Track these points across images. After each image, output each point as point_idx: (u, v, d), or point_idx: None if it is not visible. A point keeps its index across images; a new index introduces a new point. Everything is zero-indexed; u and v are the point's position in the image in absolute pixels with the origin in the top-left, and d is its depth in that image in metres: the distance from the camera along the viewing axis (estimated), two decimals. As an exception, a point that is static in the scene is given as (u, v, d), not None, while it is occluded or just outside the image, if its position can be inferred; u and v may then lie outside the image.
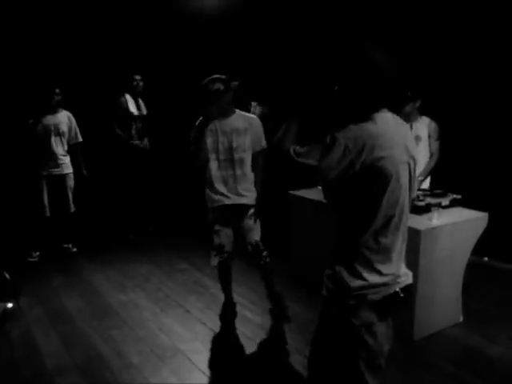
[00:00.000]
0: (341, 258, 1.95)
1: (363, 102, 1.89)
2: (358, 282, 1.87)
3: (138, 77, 5.74)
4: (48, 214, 5.33)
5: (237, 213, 3.69)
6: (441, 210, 3.79)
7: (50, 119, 5.27)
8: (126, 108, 5.66)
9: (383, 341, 1.98)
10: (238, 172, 3.64)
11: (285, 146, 1.87)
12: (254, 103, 4.57)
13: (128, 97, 5.72)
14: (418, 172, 4.49)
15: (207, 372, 3.24)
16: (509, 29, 4.77)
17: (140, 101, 5.86)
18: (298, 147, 1.85)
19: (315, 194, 4.50)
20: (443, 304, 3.73)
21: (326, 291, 2.01)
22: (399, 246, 1.97)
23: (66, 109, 5.44)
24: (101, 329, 3.83)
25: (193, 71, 6.79)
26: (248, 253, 3.75)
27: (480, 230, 3.79)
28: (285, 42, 6.67)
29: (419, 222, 3.59)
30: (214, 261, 3.75)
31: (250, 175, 3.70)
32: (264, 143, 3.68)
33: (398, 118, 1.98)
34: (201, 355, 3.44)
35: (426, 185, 4.60)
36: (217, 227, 3.71)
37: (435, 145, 4.54)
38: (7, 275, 4.36)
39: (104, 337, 3.71)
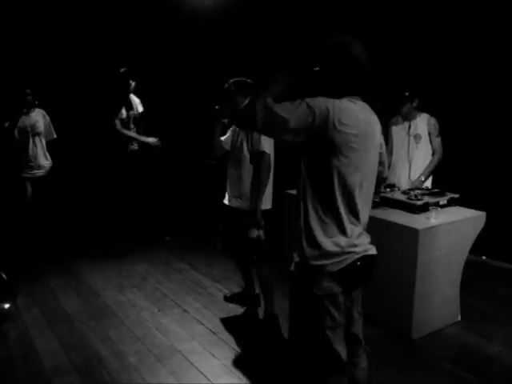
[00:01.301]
0: (303, 231, 2.04)
1: (336, 83, 2.06)
2: (316, 253, 1.99)
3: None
4: (29, 197, 5.29)
5: (232, 215, 3.73)
6: (439, 209, 3.79)
7: (25, 121, 5.25)
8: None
9: (350, 312, 2.13)
10: (236, 172, 3.64)
11: (262, 96, 1.93)
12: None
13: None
14: (418, 172, 4.52)
15: (205, 372, 3.22)
16: (507, 25, 4.77)
17: (132, 98, 5.74)
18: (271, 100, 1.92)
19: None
20: (441, 303, 3.74)
21: (293, 266, 2.12)
22: (359, 217, 2.06)
23: (49, 107, 5.43)
24: (98, 329, 3.82)
25: (192, 71, 6.82)
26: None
27: (478, 229, 3.79)
28: (284, 42, 6.66)
29: (417, 221, 3.59)
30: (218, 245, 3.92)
31: (247, 179, 3.60)
32: (261, 147, 3.50)
33: (369, 108, 2.13)
34: (199, 355, 3.43)
35: (427, 183, 4.58)
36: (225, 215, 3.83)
37: (436, 141, 4.52)
38: (4, 275, 4.34)
39: (101, 337, 3.69)
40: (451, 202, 3.95)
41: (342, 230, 2.01)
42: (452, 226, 3.64)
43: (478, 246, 3.96)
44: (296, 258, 2.10)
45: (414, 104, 4.49)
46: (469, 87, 5.09)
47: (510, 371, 3.24)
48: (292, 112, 1.88)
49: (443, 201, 3.91)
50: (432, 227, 3.51)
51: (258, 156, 3.49)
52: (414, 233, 3.43)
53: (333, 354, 2.08)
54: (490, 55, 4.95)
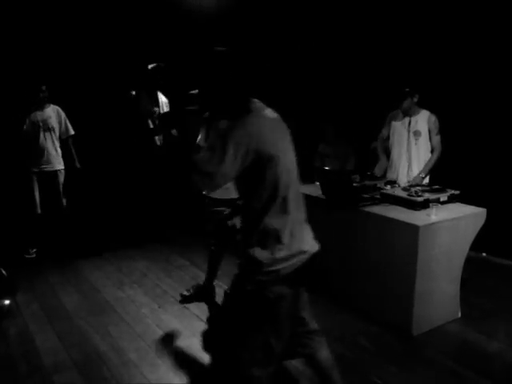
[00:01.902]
0: (251, 237, 2.13)
1: (228, 93, 2.16)
2: (269, 258, 2.06)
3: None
4: (39, 211, 5.31)
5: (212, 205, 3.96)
6: (439, 205, 3.78)
7: (37, 115, 5.25)
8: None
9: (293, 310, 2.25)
10: None
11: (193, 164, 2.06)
12: None
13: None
14: (419, 168, 4.53)
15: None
16: (507, 22, 4.76)
17: (159, 95, 5.62)
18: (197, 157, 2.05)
19: (312, 189, 4.48)
20: (442, 299, 3.73)
21: (239, 269, 2.18)
22: (299, 220, 2.20)
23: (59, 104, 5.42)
24: (98, 325, 3.82)
25: (191, 70, 6.78)
26: None
27: (478, 226, 3.79)
28: (283, 41, 6.66)
29: (417, 217, 3.58)
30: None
31: None
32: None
33: (270, 110, 2.22)
34: (199, 351, 3.42)
35: (426, 180, 4.59)
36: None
37: (436, 139, 4.52)
38: (4, 272, 4.34)
39: (101, 333, 3.69)
40: (452, 199, 3.94)
41: (292, 234, 2.14)
42: (452, 223, 3.64)
43: (479, 243, 3.95)
44: (243, 263, 2.16)
45: (415, 100, 4.48)
46: (470, 84, 5.08)
47: (510, 368, 3.24)
48: (219, 165, 1.99)
49: (444, 197, 3.90)
50: (432, 224, 3.50)
51: None
52: (414, 229, 3.42)
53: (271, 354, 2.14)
54: (490, 52, 4.94)
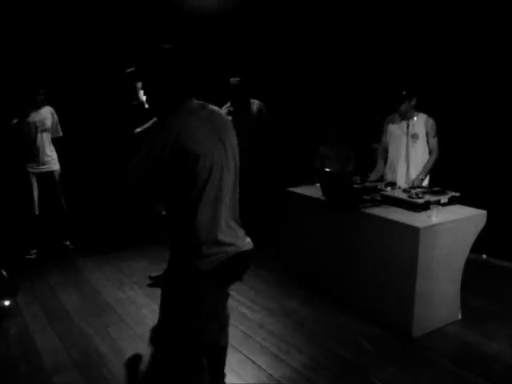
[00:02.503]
0: (176, 234, 2.19)
1: (163, 92, 2.18)
2: (191, 254, 2.13)
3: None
4: (37, 212, 5.31)
5: None
6: (440, 207, 3.79)
7: (34, 116, 5.27)
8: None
9: (219, 307, 2.36)
10: None
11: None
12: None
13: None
14: (417, 171, 4.53)
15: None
16: (505, 23, 4.77)
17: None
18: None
19: (313, 191, 4.49)
20: (442, 301, 3.73)
21: (168, 265, 2.26)
22: (225, 218, 2.19)
23: (59, 106, 5.45)
24: (98, 326, 3.82)
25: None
26: None
27: (479, 228, 3.79)
28: (283, 41, 6.67)
29: (418, 219, 3.58)
30: None
31: None
32: None
33: (206, 106, 2.25)
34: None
35: (424, 183, 4.60)
36: None
37: (433, 142, 4.53)
38: (4, 273, 4.34)
39: (101, 334, 3.69)
40: (452, 201, 3.95)
41: (215, 231, 2.16)
42: (453, 225, 3.64)
43: (479, 245, 3.95)
44: (171, 259, 2.26)
45: (412, 103, 4.49)
46: (470, 86, 5.09)
47: (510, 370, 3.24)
48: (135, 164, 2.08)
49: (444, 199, 3.91)
50: (433, 225, 3.50)
51: None
52: (414, 231, 3.43)
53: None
54: (489, 54, 4.95)
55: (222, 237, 2.15)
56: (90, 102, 6.11)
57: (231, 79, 5.94)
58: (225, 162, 2.17)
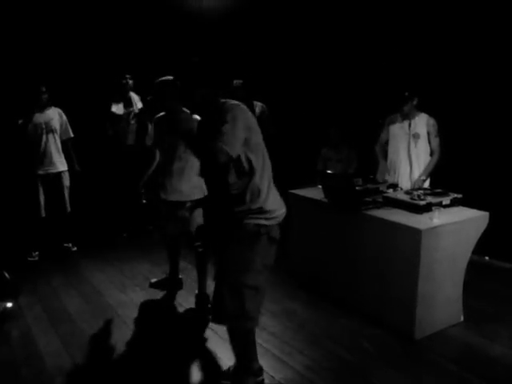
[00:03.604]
0: (256, 195, 2.68)
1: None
2: (275, 209, 2.75)
3: (127, 75, 5.84)
4: (44, 214, 5.33)
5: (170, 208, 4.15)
6: (442, 209, 3.78)
7: (40, 117, 5.27)
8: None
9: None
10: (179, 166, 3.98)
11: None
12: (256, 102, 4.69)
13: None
14: (420, 171, 4.53)
15: (207, 372, 3.22)
16: (506, 24, 4.76)
17: (131, 96, 5.90)
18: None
19: (315, 193, 4.49)
20: (444, 303, 3.72)
21: (253, 220, 2.69)
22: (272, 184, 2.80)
23: (63, 106, 5.45)
24: (101, 328, 3.82)
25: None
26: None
27: (481, 229, 3.78)
28: (285, 43, 6.67)
29: (420, 221, 3.58)
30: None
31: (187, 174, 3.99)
32: None
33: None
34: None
35: (426, 184, 4.59)
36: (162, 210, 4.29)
37: (435, 142, 4.53)
38: (7, 275, 4.34)
39: (104, 336, 3.70)
40: (454, 202, 3.94)
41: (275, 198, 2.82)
42: (455, 227, 3.63)
43: (481, 247, 3.94)
44: (252, 216, 2.70)
45: (414, 103, 4.51)
46: (471, 87, 5.08)
47: (512, 372, 3.23)
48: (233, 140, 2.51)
49: (446, 201, 3.90)
50: (435, 227, 3.50)
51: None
52: (416, 233, 3.42)
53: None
54: (491, 55, 4.94)
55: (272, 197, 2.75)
56: (94, 103, 6.11)
57: (234, 81, 5.94)
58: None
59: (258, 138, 2.67)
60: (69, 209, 5.50)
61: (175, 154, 3.91)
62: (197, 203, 4.01)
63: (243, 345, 2.88)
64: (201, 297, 4.18)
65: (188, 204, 4.00)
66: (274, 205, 2.75)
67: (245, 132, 2.54)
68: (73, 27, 6.14)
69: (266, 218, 2.69)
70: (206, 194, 3.82)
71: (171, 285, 4.55)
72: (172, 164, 3.95)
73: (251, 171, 2.64)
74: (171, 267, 4.58)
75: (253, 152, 2.63)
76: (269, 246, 2.73)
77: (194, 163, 3.83)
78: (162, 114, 3.94)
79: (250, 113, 2.64)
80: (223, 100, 2.69)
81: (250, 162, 2.62)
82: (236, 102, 2.67)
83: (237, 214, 2.70)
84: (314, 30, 6.47)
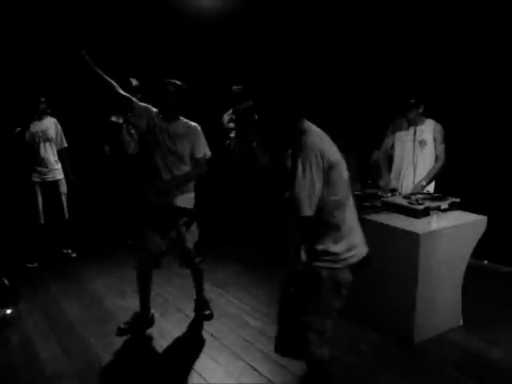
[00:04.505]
0: (322, 235, 2.43)
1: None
2: (344, 251, 2.44)
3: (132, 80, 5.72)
4: (42, 221, 5.34)
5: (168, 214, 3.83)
6: (440, 213, 3.79)
7: (37, 126, 5.31)
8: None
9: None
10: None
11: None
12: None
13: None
14: (421, 177, 4.51)
15: (206, 377, 3.22)
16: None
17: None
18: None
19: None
20: (443, 307, 3.73)
21: (317, 262, 2.45)
22: (354, 221, 2.53)
23: (60, 115, 5.48)
24: (100, 335, 3.82)
25: (192, 74, 6.83)
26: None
27: (479, 233, 3.79)
28: (285, 48, 6.69)
29: (418, 225, 3.59)
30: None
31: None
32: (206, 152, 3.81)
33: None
34: (200, 360, 3.43)
35: (430, 188, 4.57)
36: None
37: (440, 148, 4.52)
38: (6, 281, 4.35)
39: (103, 342, 3.69)
40: (452, 207, 3.95)
41: (354, 232, 2.54)
42: (453, 231, 3.64)
43: (480, 251, 3.95)
44: (319, 256, 2.45)
45: (420, 110, 4.48)
46: (470, 92, 5.10)
47: (511, 376, 3.23)
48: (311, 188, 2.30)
49: (444, 205, 3.91)
50: (433, 231, 3.51)
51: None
52: (415, 237, 3.43)
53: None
54: (491, 61, 4.96)
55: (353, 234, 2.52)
56: (91, 111, 6.13)
57: (233, 87, 5.98)
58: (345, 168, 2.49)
59: (337, 171, 2.38)
60: (67, 215, 5.51)
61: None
62: (193, 216, 3.81)
63: (318, 372, 2.65)
64: (199, 302, 4.15)
65: (183, 219, 3.74)
66: (346, 244, 2.45)
67: (319, 176, 2.30)
68: (74, 33, 6.15)
69: (333, 261, 2.44)
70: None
71: (143, 323, 3.95)
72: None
73: (322, 207, 2.36)
74: (143, 300, 3.97)
75: (330, 188, 2.36)
76: (335, 290, 2.48)
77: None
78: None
79: (324, 142, 2.42)
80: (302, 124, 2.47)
81: (322, 197, 2.35)
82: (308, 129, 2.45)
83: (304, 251, 2.52)
84: (318, 34, 6.48)
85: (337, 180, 2.37)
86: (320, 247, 2.42)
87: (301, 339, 2.51)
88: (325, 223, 2.40)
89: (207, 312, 4.10)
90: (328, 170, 2.32)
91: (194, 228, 3.83)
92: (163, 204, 3.70)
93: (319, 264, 2.43)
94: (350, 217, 2.48)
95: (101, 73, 3.54)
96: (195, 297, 4.17)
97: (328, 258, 2.42)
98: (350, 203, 2.50)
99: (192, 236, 3.81)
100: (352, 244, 2.47)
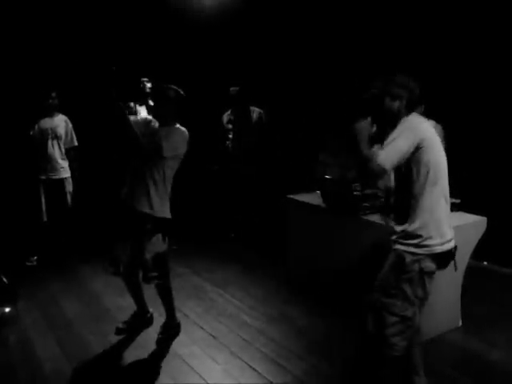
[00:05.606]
0: (414, 221, 2.52)
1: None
2: (431, 238, 2.50)
3: (144, 79, 5.63)
4: (45, 219, 5.32)
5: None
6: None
7: (47, 123, 5.27)
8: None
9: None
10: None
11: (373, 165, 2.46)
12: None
13: (133, 104, 5.58)
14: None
15: (205, 376, 3.22)
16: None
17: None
18: (380, 158, 2.42)
19: (313, 198, 4.50)
20: (442, 308, 3.72)
21: (401, 245, 2.57)
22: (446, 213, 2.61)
23: (66, 113, 5.45)
24: (99, 333, 3.81)
25: (192, 74, 6.84)
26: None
27: (479, 235, 3.79)
28: (283, 48, 6.69)
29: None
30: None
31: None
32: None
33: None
34: (199, 360, 3.42)
35: None
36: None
37: None
38: (5, 279, 4.34)
39: (102, 341, 3.69)
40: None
41: (442, 223, 2.62)
42: (453, 232, 3.62)
43: (480, 252, 3.95)
44: (405, 240, 2.57)
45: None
46: (470, 92, 5.09)
47: (510, 377, 3.23)
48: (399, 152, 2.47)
49: (444, 206, 3.90)
50: (433, 232, 3.49)
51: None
52: (414, 238, 3.42)
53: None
54: (491, 61, 4.96)
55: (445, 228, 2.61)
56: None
57: (231, 89, 5.98)
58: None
59: (432, 153, 2.52)
60: (70, 214, 5.48)
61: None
62: (160, 225, 3.43)
63: (382, 368, 2.67)
64: (167, 326, 3.79)
65: (149, 225, 3.37)
66: (432, 231, 2.51)
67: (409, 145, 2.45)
68: (84, 32, 6.16)
69: (416, 245, 2.51)
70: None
71: (142, 322, 3.92)
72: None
73: (410, 186, 2.52)
74: (136, 303, 3.93)
75: (430, 172, 2.49)
76: (419, 278, 2.52)
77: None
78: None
79: (425, 129, 2.58)
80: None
81: (411, 174, 2.51)
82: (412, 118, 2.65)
83: (394, 231, 2.64)
84: (315, 35, 6.49)
85: (436, 165, 2.51)
86: (409, 228, 2.51)
87: (379, 319, 2.58)
88: (416, 202, 2.50)
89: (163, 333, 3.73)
90: (421, 150, 2.46)
91: (156, 239, 3.40)
92: (128, 208, 3.43)
93: (403, 248, 2.52)
94: (438, 201, 2.53)
95: (129, 121, 3.23)
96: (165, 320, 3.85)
97: (413, 241, 2.49)
98: (447, 194, 2.60)
99: (152, 246, 3.38)
100: (444, 231, 2.54)
